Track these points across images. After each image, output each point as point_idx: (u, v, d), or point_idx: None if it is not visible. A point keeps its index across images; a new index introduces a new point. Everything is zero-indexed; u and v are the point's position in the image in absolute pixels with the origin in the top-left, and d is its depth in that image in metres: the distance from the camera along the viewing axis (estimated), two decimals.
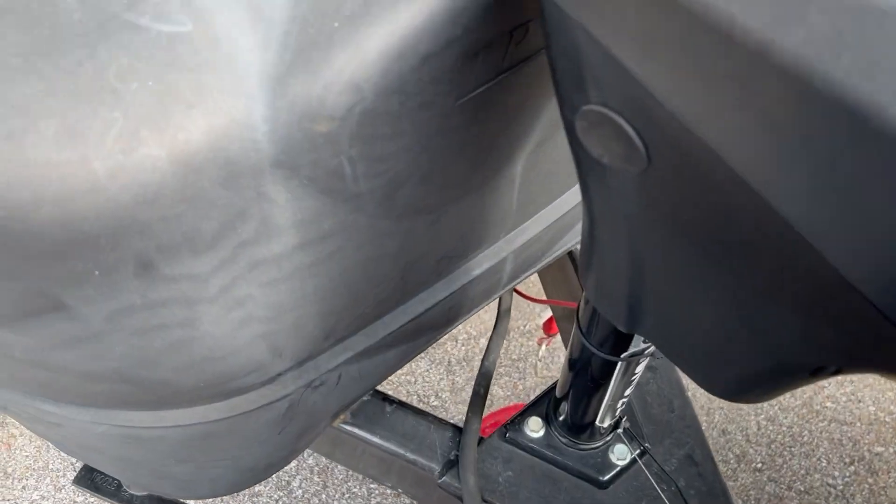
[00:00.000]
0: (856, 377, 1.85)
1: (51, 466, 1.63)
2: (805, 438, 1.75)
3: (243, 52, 0.36)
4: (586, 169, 0.37)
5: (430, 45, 0.37)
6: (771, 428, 1.76)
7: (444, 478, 0.82)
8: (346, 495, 1.61)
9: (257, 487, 1.62)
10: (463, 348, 1.86)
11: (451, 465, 0.82)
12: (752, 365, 0.39)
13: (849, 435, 1.76)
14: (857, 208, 0.24)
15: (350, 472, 1.63)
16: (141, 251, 0.38)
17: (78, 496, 1.59)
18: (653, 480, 0.77)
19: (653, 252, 0.38)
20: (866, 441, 1.75)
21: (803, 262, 0.29)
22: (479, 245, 0.68)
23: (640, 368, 0.64)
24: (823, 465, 1.71)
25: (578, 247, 1.01)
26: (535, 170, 0.63)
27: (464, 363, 1.83)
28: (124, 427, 0.60)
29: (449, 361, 1.83)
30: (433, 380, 1.80)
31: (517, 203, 0.66)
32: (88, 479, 1.21)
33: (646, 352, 0.60)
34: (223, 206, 0.39)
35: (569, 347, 0.69)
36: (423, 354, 1.88)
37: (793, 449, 1.74)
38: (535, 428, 0.82)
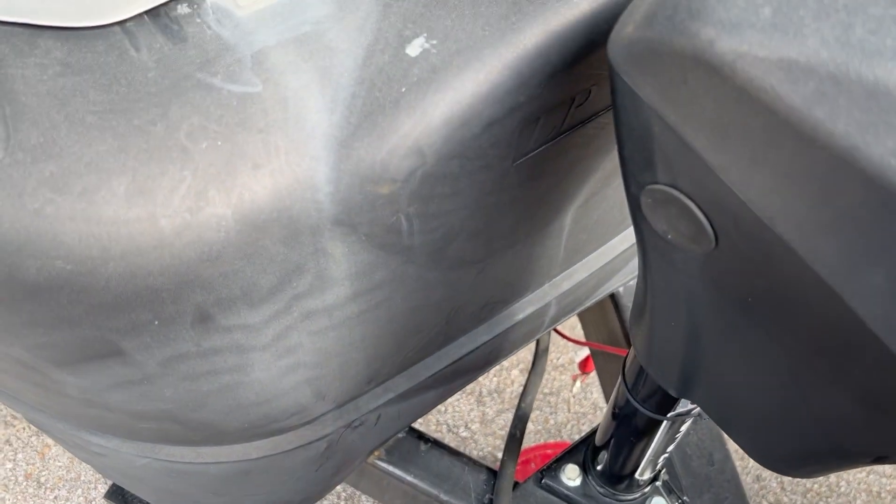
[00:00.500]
0: None
1: (83, 478, 1.65)
2: (842, 489, 1.70)
3: (311, 113, 0.36)
4: (649, 242, 0.36)
5: (494, 112, 0.38)
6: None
7: None
8: None
9: None
10: (495, 379, 1.84)
11: None
12: (810, 446, 0.38)
13: (888, 488, 1.71)
14: None
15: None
16: (200, 304, 0.39)
17: None
18: None
19: (712, 327, 0.37)
20: None
21: (873, 355, 0.28)
22: (525, 291, 0.68)
23: (684, 427, 0.63)
24: None
25: (621, 289, 1.00)
26: (585, 219, 0.63)
27: (495, 395, 1.82)
28: (166, 461, 0.60)
29: (480, 392, 1.82)
30: (463, 410, 1.79)
31: (564, 251, 0.66)
32: (119, 494, 1.22)
33: (692, 412, 0.59)
34: (281, 262, 0.39)
35: (612, 398, 0.68)
36: None
37: (829, 500, 1.69)
38: (571, 476, 0.81)
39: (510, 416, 1.74)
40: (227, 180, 0.35)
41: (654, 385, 0.57)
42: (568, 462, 0.82)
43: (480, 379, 1.85)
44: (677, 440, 0.67)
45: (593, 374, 1.80)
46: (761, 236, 0.28)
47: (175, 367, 0.44)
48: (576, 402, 1.79)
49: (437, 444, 0.86)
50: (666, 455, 0.72)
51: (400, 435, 0.86)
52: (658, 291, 0.40)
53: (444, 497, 0.83)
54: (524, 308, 0.71)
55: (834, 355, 0.31)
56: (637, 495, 0.79)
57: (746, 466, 1.71)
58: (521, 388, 1.80)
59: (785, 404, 0.37)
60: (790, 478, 1.71)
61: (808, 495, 1.68)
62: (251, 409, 0.52)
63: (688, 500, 0.80)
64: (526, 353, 1.91)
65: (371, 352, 0.55)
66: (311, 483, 0.72)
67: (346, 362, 0.54)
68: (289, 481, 0.69)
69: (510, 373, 1.88)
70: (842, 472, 1.71)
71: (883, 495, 1.69)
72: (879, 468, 1.73)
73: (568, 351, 1.92)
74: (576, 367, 1.59)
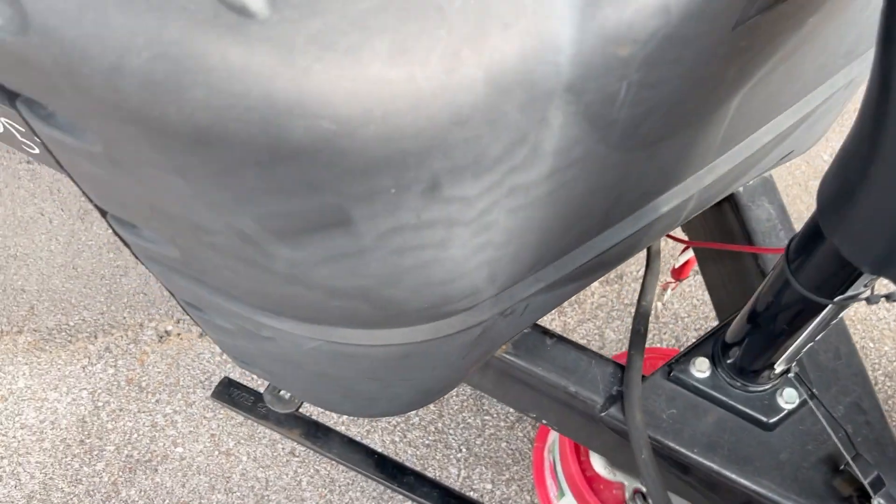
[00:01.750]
0: None
1: (181, 383, 1.73)
2: None
3: None
4: None
5: None
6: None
7: (607, 412, 0.83)
8: (462, 425, 1.66)
9: None
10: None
11: (614, 400, 0.83)
12: None
13: None
14: None
15: (464, 403, 1.68)
16: (436, 171, 0.39)
17: (207, 412, 1.68)
18: (824, 423, 0.76)
19: None
20: None
21: None
22: (676, 181, 0.68)
23: (845, 313, 0.63)
24: None
25: (741, 189, 0.99)
26: (746, 105, 0.62)
27: (575, 305, 1.84)
28: (337, 344, 0.62)
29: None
30: (544, 320, 1.81)
31: (721, 139, 0.65)
32: (226, 393, 1.27)
33: (861, 295, 0.59)
34: (513, 130, 0.39)
35: (761, 288, 0.69)
36: None
37: None
38: (701, 368, 0.82)
39: (591, 325, 1.77)
40: (479, 41, 0.35)
41: (827, 267, 0.57)
42: (697, 355, 0.83)
43: None
44: (829, 328, 0.67)
45: (682, 286, 1.80)
46: None
47: (389, 240, 0.45)
48: (664, 309, 1.80)
49: (563, 339, 0.88)
50: (811, 345, 0.72)
51: (526, 330, 0.88)
52: None
53: (572, 388, 0.85)
54: (669, 200, 0.71)
55: None
56: (768, 387, 0.80)
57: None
58: (601, 299, 1.81)
59: None
60: None
61: None
62: (436, 289, 0.53)
63: (816, 392, 0.81)
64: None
65: (543, 235, 0.56)
66: (454, 370, 0.74)
67: (522, 244, 0.55)
68: (438, 367, 0.71)
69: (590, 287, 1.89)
70: None
71: None
72: None
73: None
74: (668, 277, 1.59)
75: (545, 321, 1.80)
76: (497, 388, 0.99)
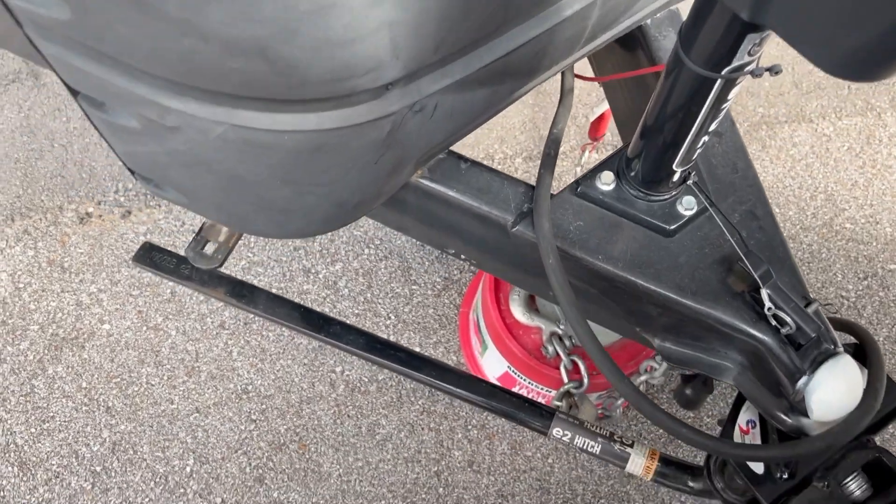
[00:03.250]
0: (875, 200, 1.89)
1: (105, 263, 1.70)
2: (823, 255, 1.81)
3: None
4: None
5: None
6: (791, 246, 1.81)
7: (517, 227, 0.86)
8: (390, 294, 1.70)
9: (305, 286, 1.70)
10: (499, 167, 1.89)
11: (524, 215, 0.87)
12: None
13: (864, 253, 1.82)
14: None
15: (392, 274, 1.71)
16: None
17: (133, 290, 1.67)
18: (721, 226, 0.81)
19: None
20: (881, 259, 1.82)
21: None
22: None
23: (732, 94, 0.66)
24: (839, 279, 1.78)
25: (649, 21, 1.01)
26: None
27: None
28: (244, 129, 0.63)
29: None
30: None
31: None
32: (147, 257, 1.23)
33: (747, 67, 0.62)
34: None
35: (658, 85, 0.71)
36: None
37: (811, 265, 1.80)
38: (607, 181, 0.85)
39: None
40: None
41: (714, 32, 0.60)
42: (603, 170, 0.86)
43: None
44: (722, 115, 0.71)
45: (596, 151, 1.84)
46: None
47: None
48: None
49: (476, 164, 0.90)
50: (704, 141, 0.76)
51: (441, 156, 0.89)
52: None
53: (485, 208, 0.87)
54: (572, 4, 0.72)
55: None
56: (668, 196, 0.85)
57: None
58: (526, 174, 1.84)
59: None
60: None
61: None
62: (336, 51, 0.54)
63: (714, 201, 0.86)
64: (529, 144, 1.95)
65: (445, 8, 0.57)
66: (368, 177, 0.76)
67: (423, 12, 0.56)
68: (351, 170, 0.72)
69: (514, 161, 1.92)
70: (824, 241, 1.82)
71: (860, 259, 1.80)
72: (857, 236, 1.84)
73: (569, 139, 1.96)
74: (585, 140, 1.63)
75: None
76: (416, 224, 1.01)
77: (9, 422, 1.57)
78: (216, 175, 0.72)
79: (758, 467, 0.86)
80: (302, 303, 1.66)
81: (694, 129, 0.71)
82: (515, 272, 1.00)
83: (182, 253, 1.17)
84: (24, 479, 1.52)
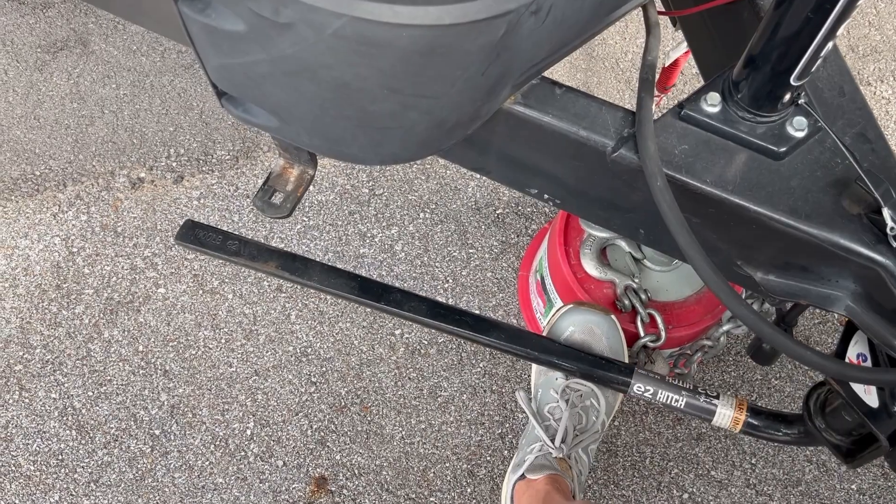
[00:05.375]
0: None
1: (159, 227, 1.69)
2: None
3: None
4: None
5: None
6: None
7: (618, 152, 0.83)
8: (447, 258, 1.67)
9: (362, 249, 1.67)
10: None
11: (625, 140, 0.83)
12: None
13: None
14: None
15: (449, 238, 1.68)
16: None
17: (189, 253, 1.66)
18: (839, 144, 0.77)
19: None
20: None
21: None
22: None
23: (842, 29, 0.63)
24: None
25: None
26: None
27: None
28: (362, 22, 0.60)
29: None
30: None
31: None
32: (191, 235, 1.17)
33: None
34: None
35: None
36: None
37: None
38: (713, 103, 0.82)
39: None
40: None
41: None
42: (708, 91, 0.83)
43: None
44: (846, 22, 0.67)
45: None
46: None
47: None
48: None
49: (571, 89, 0.87)
50: (821, 58, 0.72)
51: (534, 81, 0.86)
52: None
53: (583, 133, 0.84)
54: None
55: None
56: (777, 117, 0.81)
57: None
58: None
59: None
60: None
61: None
62: None
63: (824, 123, 0.82)
64: None
65: None
66: (472, 95, 0.73)
67: None
68: (458, 82, 0.69)
69: None
70: None
71: None
72: None
73: (623, 101, 1.92)
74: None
75: None
76: (498, 161, 0.98)
77: (66, 385, 1.55)
78: (319, 85, 0.70)
79: (872, 401, 0.83)
80: (358, 267, 1.65)
81: (823, 30, 0.68)
82: (605, 209, 0.97)
83: (227, 229, 1.11)
84: (83, 442, 1.51)
